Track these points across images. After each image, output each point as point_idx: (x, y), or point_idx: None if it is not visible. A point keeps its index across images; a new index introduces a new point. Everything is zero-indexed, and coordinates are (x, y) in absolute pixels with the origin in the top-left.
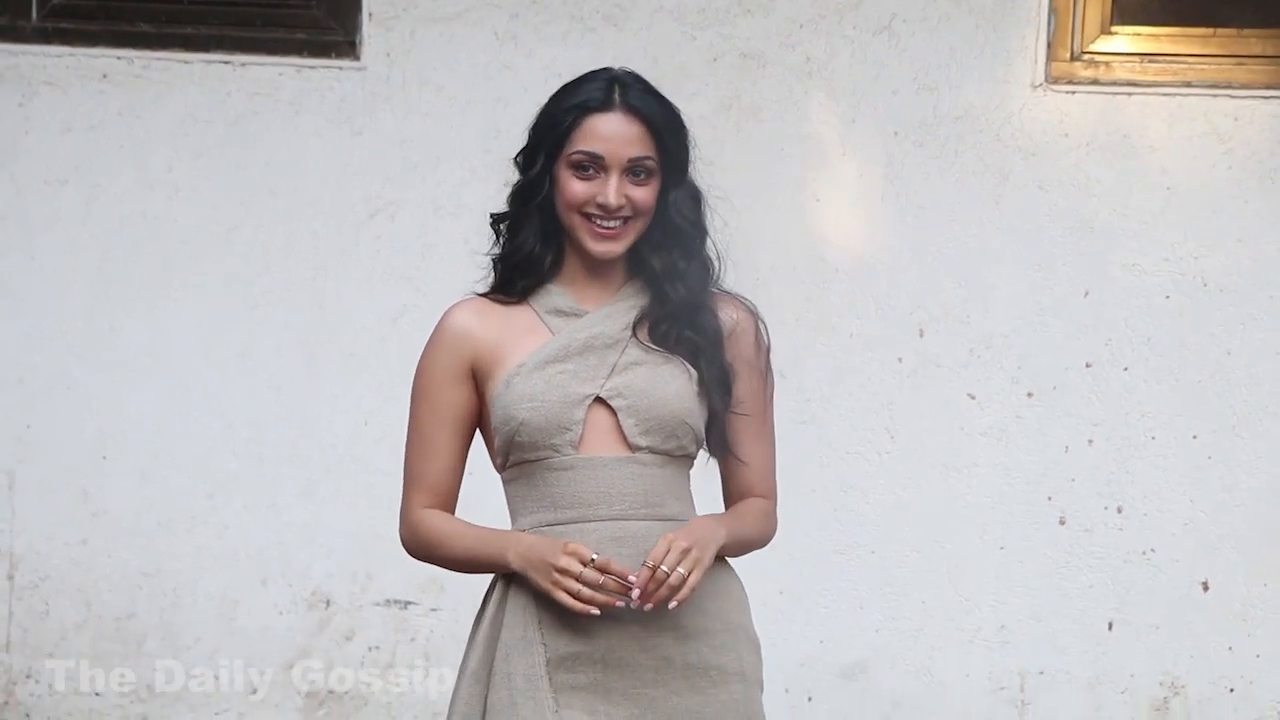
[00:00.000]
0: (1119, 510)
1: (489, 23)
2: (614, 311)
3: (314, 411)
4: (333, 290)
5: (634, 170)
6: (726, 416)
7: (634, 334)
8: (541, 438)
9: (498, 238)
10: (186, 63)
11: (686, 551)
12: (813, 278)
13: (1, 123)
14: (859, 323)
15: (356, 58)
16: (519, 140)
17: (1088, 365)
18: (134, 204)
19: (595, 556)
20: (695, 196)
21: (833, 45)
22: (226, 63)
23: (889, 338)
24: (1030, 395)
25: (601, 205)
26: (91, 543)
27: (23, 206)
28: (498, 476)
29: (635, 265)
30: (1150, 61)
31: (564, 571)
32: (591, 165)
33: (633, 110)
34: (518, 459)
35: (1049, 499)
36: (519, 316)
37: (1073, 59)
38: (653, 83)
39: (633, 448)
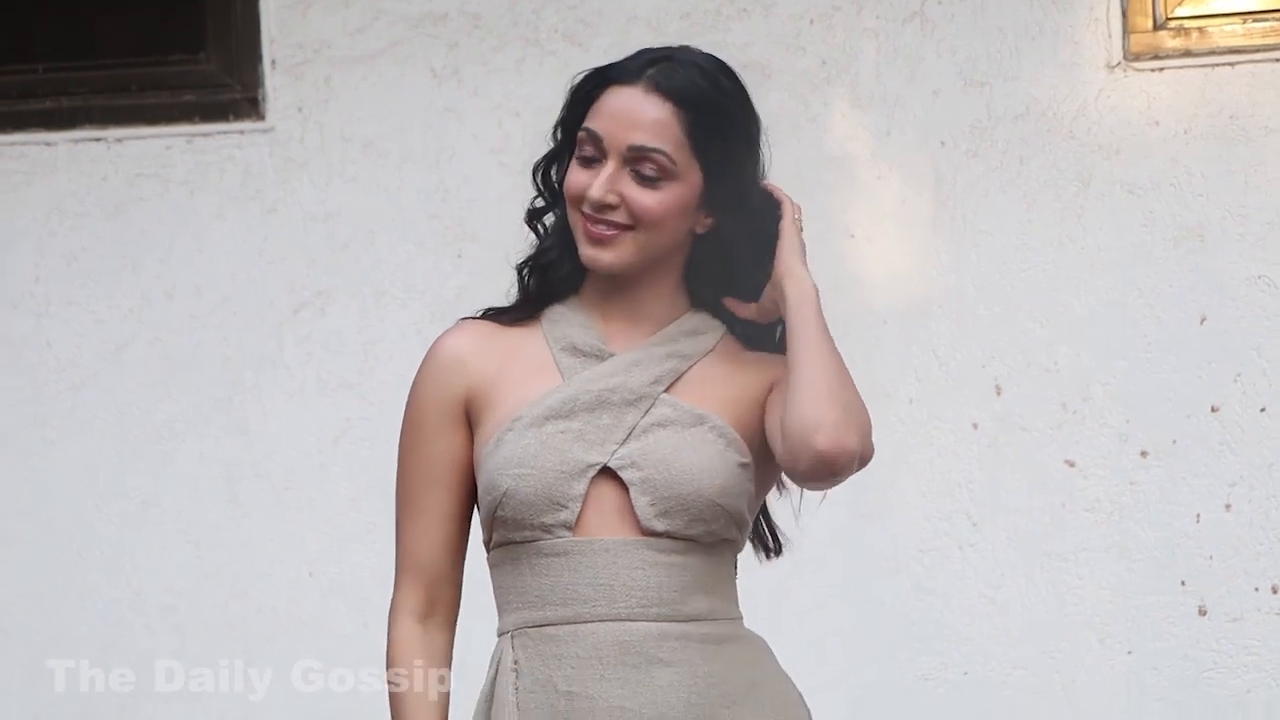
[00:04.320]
0: (1273, 590)
1: (422, 57)
2: (644, 359)
3: (244, 565)
4: (255, 410)
5: (638, 165)
6: None
7: (669, 390)
8: (529, 515)
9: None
10: (49, 144)
11: None
12: (856, 333)
13: None
14: (919, 385)
15: (261, 117)
16: (471, 199)
17: (1214, 410)
18: None
19: None
20: (761, 216)
21: (853, 42)
22: (99, 140)
23: (959, 400)
24: (1145, 455)
25: (589, 198)
26: None
27: None
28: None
29: (698, 297)
30: (1256, 21)
31: None
32: (595, 149)
33: (658, 88)
34: (503, 539)
35: (1183, 584)
36: (528, 346)
37: (1156, 28)
38: None
39: (646, 532)
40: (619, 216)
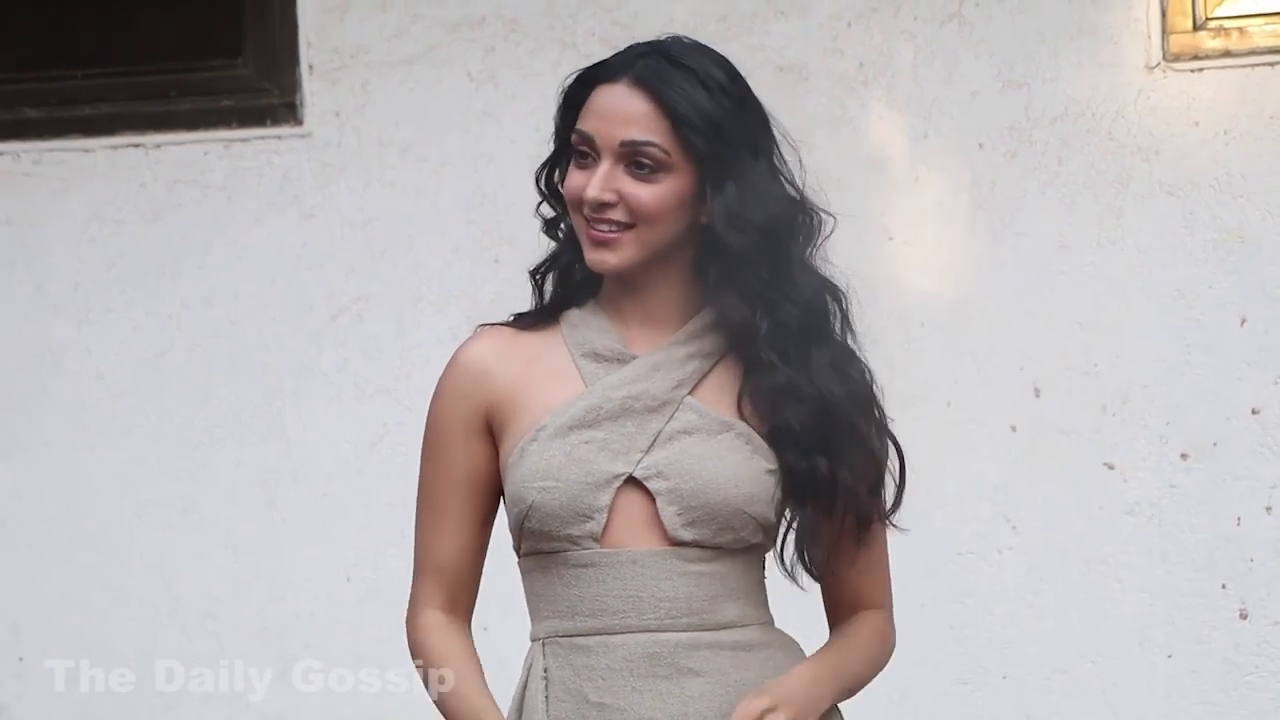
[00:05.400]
0: None
1: (459, 62)
2: (665, 361)
3: (282, 572)
4: (293, 416)
5: (633, 160)
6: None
7: (692, 393)
8: (556, 526)
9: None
10: (88, 150)
11: None
12: (894, 336)
13: None
14: (957, 387)
15: (298, 122)
16: (509, 204)
17: (1254, 412)
18: (34, 333)
19: None
20: (766, 202)
21: (890, 44)
22: (137, 146)
23: (997, 403)
24: (1185, 457)
25: (586, 199)
26: None
27: None
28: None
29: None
30: None
31: None
32: (589, 149)
33: (641, 82)
34: (532, 548)
35: (1224, 587)
36: (549, 352)
37: (1196, 28)
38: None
39: (674, 541)
40: (618, 215)
